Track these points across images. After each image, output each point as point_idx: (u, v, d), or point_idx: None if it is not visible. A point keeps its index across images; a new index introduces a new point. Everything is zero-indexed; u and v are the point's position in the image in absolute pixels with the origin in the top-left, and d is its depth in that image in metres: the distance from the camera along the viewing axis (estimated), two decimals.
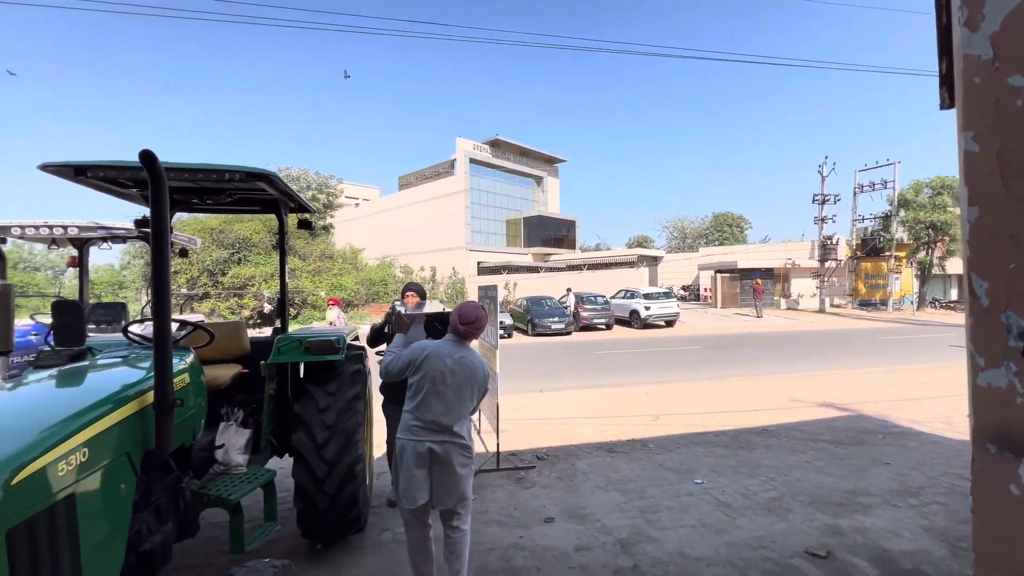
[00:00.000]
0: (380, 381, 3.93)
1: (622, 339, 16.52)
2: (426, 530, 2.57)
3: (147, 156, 1.63)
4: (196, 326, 2.67)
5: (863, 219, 28.65)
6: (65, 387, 1.81)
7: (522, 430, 5.87)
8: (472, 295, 25.04)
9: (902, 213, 26.25)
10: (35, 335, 6.07)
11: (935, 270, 27.26)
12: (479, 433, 5.70)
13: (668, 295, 20.50)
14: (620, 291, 21.40)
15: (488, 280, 27.67)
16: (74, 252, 4.97)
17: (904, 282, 27.30)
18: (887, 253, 26.93)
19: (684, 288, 34.13)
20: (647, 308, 19.12)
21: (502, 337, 16.74)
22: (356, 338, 3.90)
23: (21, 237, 4.55)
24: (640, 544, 3.25)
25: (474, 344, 2.71)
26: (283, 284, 3.41)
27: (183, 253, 5.88)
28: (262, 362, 3.08)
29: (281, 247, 3.44)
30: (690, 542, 3.26)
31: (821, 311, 25.95)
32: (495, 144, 36.62)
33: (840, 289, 28.60)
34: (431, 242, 33.40)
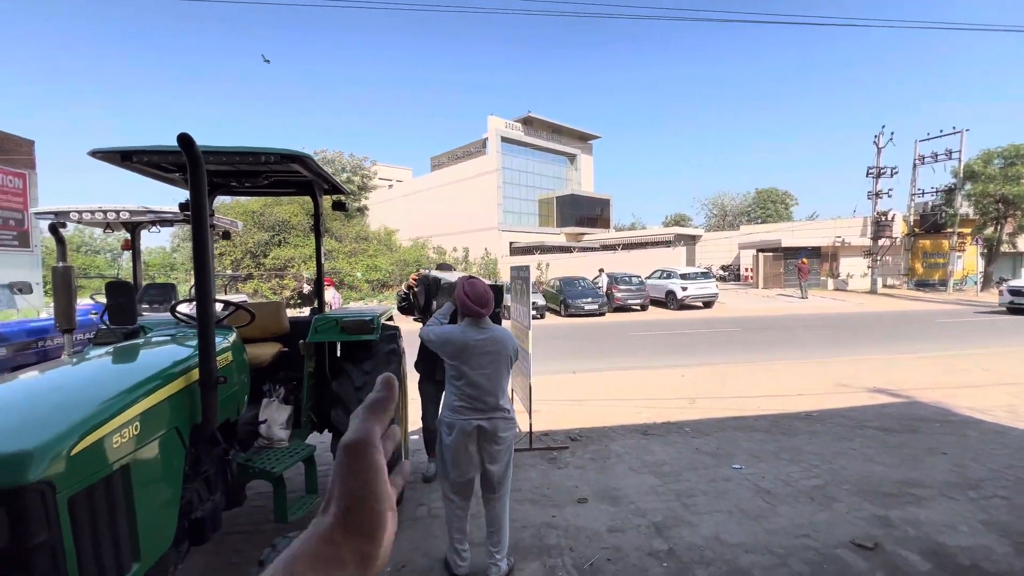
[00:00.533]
0: (415, 359, 4.03)
1: (657, 320, 16.22)
2: (466, 505, 2.70)
3: (185, 139, 1.66)
4: (238, 306, 2.77)
5: (923, 193, 26.77)
6: (119, 364, 1.91)
7: (555, 411, 5.88)
8: (505, 275, 25.08)
9: (968, 186, 24.34)
10: (95, 314, 6.49)
11: (1004, 248, 25.28)
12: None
13: (706, 275, 19.91)
14: (656, 271, 20.95)
15: (520, 260, 27.62)
16: (127, 235, 5.25)
17: (967, 261, 25.48)
18: (949, 230, 25.12)
19: (723, 268, 33.09)
20: (684, 289, 18.66)
21: (534, 318, 16.77)
22: (390, 318, 3.97)
23: (79, 222, 4.80)
24: (675, 528, 3.21)
25: (506, 323, 2.75)
26: (319, 265, 3.48)
27: (226, 235, 6.10)
28: (301, 341, 3.18)
29: (316, 228, 3.51)
30: (727, 528, 3.20)
31: (872, 292, 24.62)
32: (527, 122, 36.07)
33: (894, 269, 27.01)
34: (464, 222, 33.52)
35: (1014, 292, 15.71)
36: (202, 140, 1.92)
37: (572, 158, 39.67)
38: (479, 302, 2.56)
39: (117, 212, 4.80)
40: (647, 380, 7.47)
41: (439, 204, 36.34)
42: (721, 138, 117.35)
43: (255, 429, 2.80)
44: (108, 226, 5.29)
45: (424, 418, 4.04)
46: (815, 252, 27.02)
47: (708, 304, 19.33)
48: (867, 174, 25.24)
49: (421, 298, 3.92)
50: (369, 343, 3.19)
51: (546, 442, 4.83)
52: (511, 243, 32.94)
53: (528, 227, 35.61)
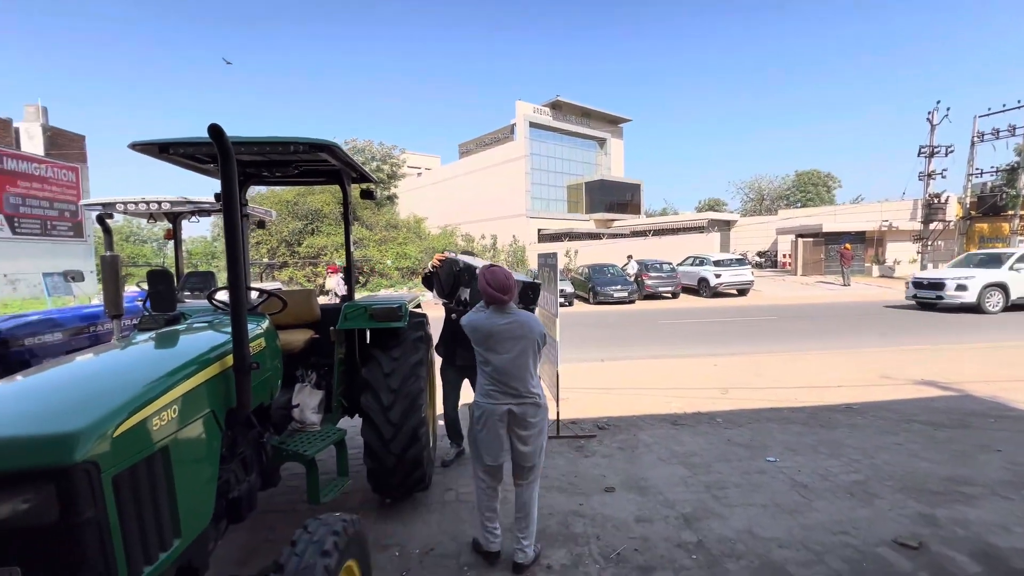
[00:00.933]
0: (435, 342, 4.06)
1: (689, 308, 15.87)
2: (496, 486, 2.76)
3: (215, 130, 1.69)
4: (270, 294, 2.84)
5: (981, 173, 25.01)
6: (159, 349, 2.00)
7: (582, 399, 5.86)
8: (532, 263, 24.98)
9: None
10: (140, 301, 6.83)
11: None
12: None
13: (741, 262, 19.31)
14: (688, 258, 20.46)
15: (549, 248, 27.46)
16: (169, 225, 5.48)
17: None
18: (1010, 212, 23.46)
19: (760, 254, 32.01)
20: (717, 276, 18.17)
21: (562, 305, 16.69)
22: (418, 305, 4.00)
23: (124, 212, 5.04)
24: (705, 520, 3.16)
25: (538, 312, 2.79)
26: (348, 253, 3.54)
27: (260, 224, 6.28)
28: (331, 328, 3.24)
29: (345, 217, 3.55)
30: (760, 521, 3.12)
31: None
32: (556, 106, 35.52)
33: (946, 254, 25.46)
34: (492, 210, 33.51)
35: (918, 285, 13.92)
36: (239, 131, 1.97)
37: (602, 142, 38.91)
38: (500, 288, 2.60)
39: (159, 203, 5.01)
40: (677, 369, 7.33)
41: (467, 191, 36.41)
42: (759, 120, 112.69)
43: (288, 413, 2.89)
44: (151, 216, 5.53)
45: (444, 404, 4.09)
46: (859, 237, 25.76)
47: (743, 292, 18.77)
48: (919, 153, 23.77)
49: (446, 284, 3.92)
50: (397, 330, 3.23)
51: (573, 430, 4.82)
52: (539, 230, 32.76)
53: (557, 214, 35.29)
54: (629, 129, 43.38)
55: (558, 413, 4.75)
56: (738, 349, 8.96)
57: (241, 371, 1.84)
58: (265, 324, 2.52)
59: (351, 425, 3.56)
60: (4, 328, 3.75)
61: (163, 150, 2.65)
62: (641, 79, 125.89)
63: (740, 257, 20.63)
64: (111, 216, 5.20)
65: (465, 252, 4.53)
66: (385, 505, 3.40)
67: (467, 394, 4.11)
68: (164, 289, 2.41)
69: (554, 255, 4.90)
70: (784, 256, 29.26)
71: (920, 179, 24.04)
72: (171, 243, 5.18)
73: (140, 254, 33.28)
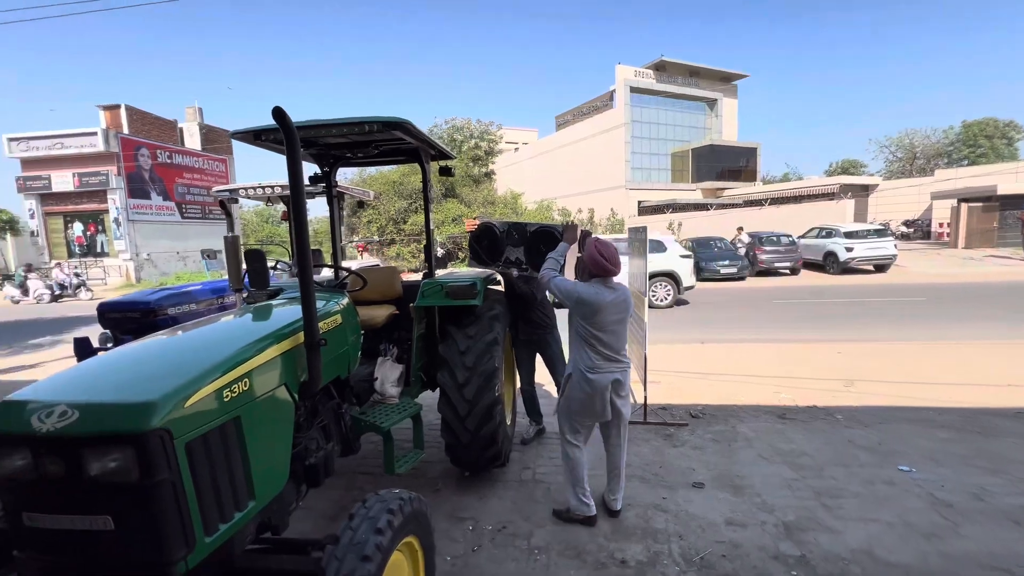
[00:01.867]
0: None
1: (811, 286, 14.07)
2: (584, 451, 2.94)
3: (278, 112, 1.72)
4: (351, 272, 2.96)
5: None
6: (242, 324, 2.17)
7: (675, 383, 5.47)
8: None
9: None
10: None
11: None
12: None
13: (881, 233, 16.55)
14: (813, 229, 18.02)
15: (650, 220, 26.07)
16: (284, 208, 6.06)
17: None
18: None
19: (907, 224, 27.39)
20: (849, 249, 15.77)
21: None
22: (497, 283, 3.96)
23: (246, 196, 5.66)
24: (811, 531, 2.76)
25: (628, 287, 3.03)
26: (428, 230, 3.57)
27: (361, 204, 6.71)
28: (411, 304, 3.33)
29: (425, 194, 3.58)
30: (884, 542, 2.65)
31: None
32: (660, 67, 33.00)
33: None
34: (589, 182, 32.55)
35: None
36: (360, 113, 2.12)
37: (712, 104, 35.50)
38: (613, 260, 2.73)
39: (272, 187, 5.53)
40: (791, 355, 6.53)
41: (564, 164, 35.70)
42: (911, 66, 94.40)
43: (370, 385, 3.04)
44: (268, 200, 6.16)
45: (520, 380, 4.04)
46: None
47: (881, 268, 16.16)
48: None
49: (491, 249, 3.70)
50: (473, 308, 3.22)
51: (662, 416, 4.52)
52: (639, 202, 31.14)
53: (659, 184, 33.21)
54: (745, 87, 38.99)
55: (645, 398, 4.47)
56: (870, 335, 7.72)
57: (310, 347, 1.92)
58: (344, 301, 2.63)
59: (429, 400, 3.66)
60: (153, 299, 4.45)
61: (257, 137, 2.85)
62: (761, 28, 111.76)
63: (880, 227, 17.69)
64: (235, 201, 5.88)
65: (503, 221, 4.28)
66: (463, 478, 3.47)
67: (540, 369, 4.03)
68: (259, 267, 2.61)
69: (643, 229, 4.55)
70: (941, 225, 24.60)
71: None
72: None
73: (276, 233, 37.89)
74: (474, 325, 3.18)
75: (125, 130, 21.53)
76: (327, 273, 3.98)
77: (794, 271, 16.47)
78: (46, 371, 6.90)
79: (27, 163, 20.83)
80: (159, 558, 1.36)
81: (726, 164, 33.64)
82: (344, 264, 3.66)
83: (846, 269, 15.94)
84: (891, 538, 2.68)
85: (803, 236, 17.90)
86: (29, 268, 18.03)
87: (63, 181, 20.60)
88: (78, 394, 1.39)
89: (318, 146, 3.28)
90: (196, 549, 1.43)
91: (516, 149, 44.05)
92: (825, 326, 8.58)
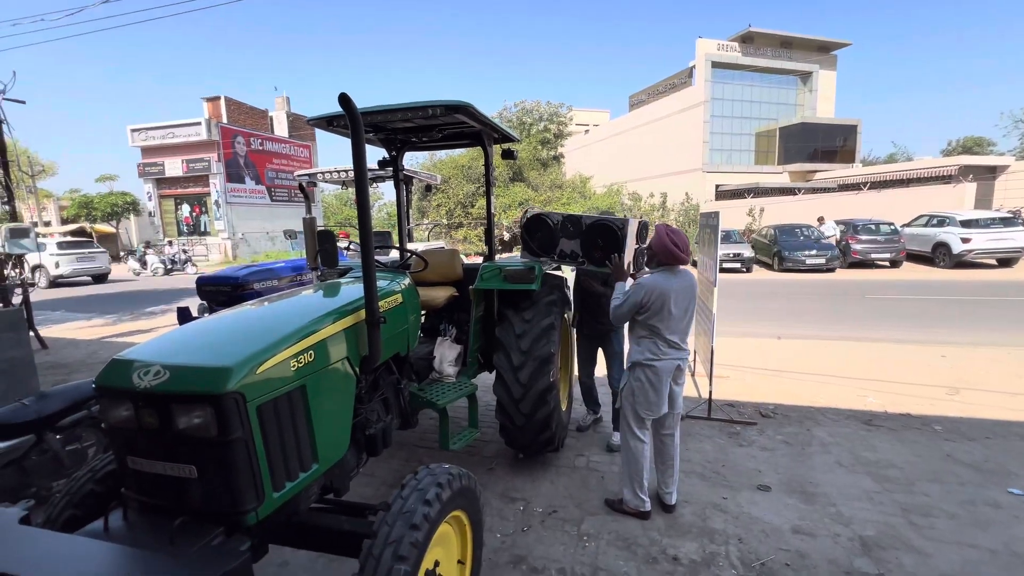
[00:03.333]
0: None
1: (915, 281, 12.60)
2: (647, 445, 2.89)
3: (343, 99, 1.79)
4: (413, 253, 3.07)
5: None
6: (311, 300, 2.33)
7: (745, 379, 5.18)
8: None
9: None
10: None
11: None
12: (692, 375, 5.28)
13: (1009, 222, 14.37)
14: (921, 217, 16.03)
15: (729, 206, 24.55)
16: None
17: None
18: None
19: None
20: (965, 240, 13.87)
21: (737, 271, 14.87)
22: (558, 267, 3.93)
23: (324, 180, 6.02)
24: (893, 550, 2.52)
25: (696, 277, 3.03)
26: (489, 212, 3.60)
27: (428, 188, 6.90)
28: (470, 287, 3.39)
29: (487, 177, 3.61)
30: (983, 571, 2.36)
31: None
32: (747, 39, 30.60)
33: None
34: (663, 165, 31.14)
35: None
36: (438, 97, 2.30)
37: (805, 77, 32.41)
38: (684, 248, 2.74)
39: (348, 171, 5.85)
40: (883, 356, 5.92)
41: (636, 146, 34.37)
42: None
43: (429, 363, 3.16)
44: (344, 183, 6.52)
45: (580, 371, 3.99)
46: None
47: (1006, 262, 14.11)
48: None
49: (543, 241, 3.41)
50: (530, 292, 3.22)
51: (728, 413, 4.30)
52: (717, 186, 29.34)
53: (740, 166, 31.04)
54: (846, 57, 35.18)
55: (710, 392, 4.27)
56: (985, 338, 6.80)
57: (371, 324, 2.02)
58: (405, 281, 2.73)
59: (485, 381, 3.73)
60: (241, 275, 4.91)
61: (329, 123, 3.00)
62: None
63: (1008, 215, 15.34)
64: (314, 184, 6.28)
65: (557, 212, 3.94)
66: (517, 460, 3.53)
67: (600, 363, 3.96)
68: (330, 247, 2.77)
69: (716, 214, 4.29)
70: None
71: None
72: (378, 204, 6.06)
73: (353, 216, 40.09)
74: (531, 310, 3.19)
75: (224, 120, 23.65)
76: (395, 254, 4.16)
77: (895, 263, 14.84)
78: (158, 335, 7.88)
79: (146, 151, 23.58)
80: (233, 507, 1.52)
81: (819, 144, 30.70)
82: (410, 246, 3.80)
83: (960, 263, 14.07)
84: (993, 568, 2.38)
85: (908, 224, 16.02)
86: (147, 245, 20.56)
87: (174, 167, 23.12)
88: (171, 356, 1.57)
89: (385, 131, 3.40)
90: (265, 502, 1.58)
91: (586, 131, 43.02)
92: (927, 325, 7.67)
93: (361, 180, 1.91)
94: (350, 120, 1.83)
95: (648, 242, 3.00)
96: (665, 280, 2.71)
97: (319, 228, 2.99)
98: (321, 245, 2.80)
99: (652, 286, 2.69)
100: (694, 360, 5.48)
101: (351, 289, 2.38)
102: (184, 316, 4.32)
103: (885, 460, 3.45)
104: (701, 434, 3.93)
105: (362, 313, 2.09)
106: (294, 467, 1.72)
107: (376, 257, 3.23)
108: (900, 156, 40.73)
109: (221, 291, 4.76)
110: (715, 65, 29.80)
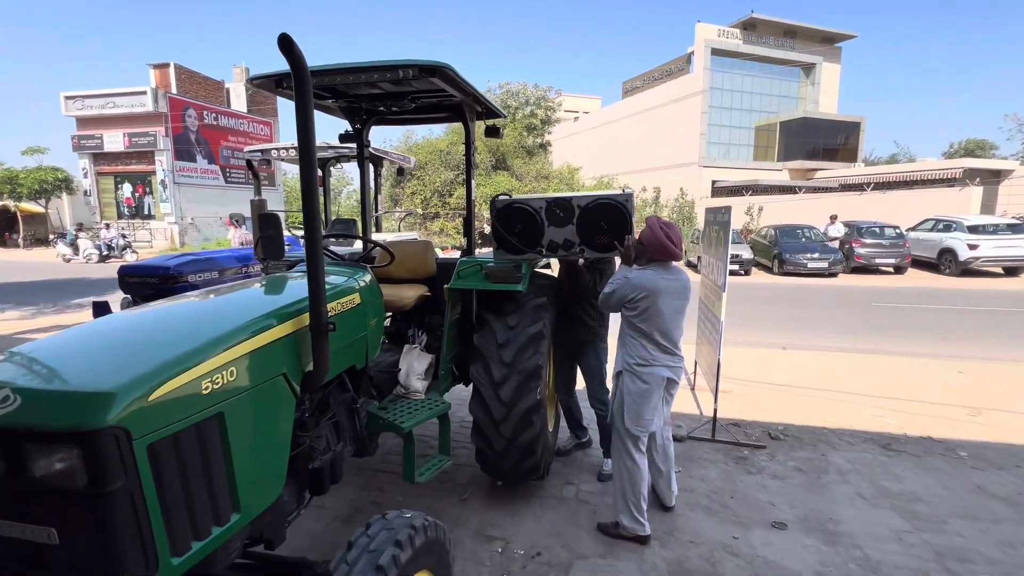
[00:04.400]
0: None
1: (922, 289, 12.78)
2: (646, 461, 2.80)
3: (283, 40, 1.48)
4: (376, 244, 2.76)
5: None
6: (239, 300, 2.01)
7: (750, 395, 5.01)
8: (702, 220, 22.75)
9: None
10: (287, 246, 7.79)
11: None
12: (692, 390, 5.09)
13: (1016, 228, 14.75)
14: (927, 221, 16.35)
15: (725, 203, 24.69)
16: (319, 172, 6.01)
17: None
18: None
19: None
20: (972, 246, 14.17)
21: (737, 274, 14.86)
22: (547, 266, 3.67)
23: (278, 159, 5.62)
24: None
25: (695, 278, 2.94)
26: (469, 199, 3.31)
27: (400, 172, 6.55)
28: (445, 286, 3.10)
29: (468, 157, 3.32)
30: None
31: None
32: (749, 25, 30.89)
33: None
34: (657, 157, 31.25)
35: None
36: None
37: (808, 69, 32.92)
38: (679, 243, 2.67)
39: None
40: (896, 371, 5.84)
41: (629, 137, 34.42)
42: None
43: (393, 376, 2.85)
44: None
45: (556, 388, 3.67)
46: None
47: (1013, 271, 14.46)
48: None
49: (522, 232, 2.97)
50: (516, 294, 2.94)
51: (734, 434, 4.11)
52: (714, 182, 29.57)
53: (738, 162, 31.37)
54: (851, 49, 35.86)
55: (715, 410, 4.07)
56: (1002, 353, 6.81)
57: (316, 331, 1.72)
58: (366, 278, 2.42)
59: (459, 398, 3.45)
60: (172, 265, 4.50)
61: (278, 84, 2.67)
62: None
63: (1015, 221, 15.76)
64: (267, 163, 5.88)
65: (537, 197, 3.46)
66: (496, 488, 3.26)
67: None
68: (274, 234, 2.44)
69: (726, 210, 4.08)
70: None
71: None
72: (346, 190, 5.66)
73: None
74: (516, 314, 2.91)
75: (174, 90, 22.68)
76: (359, 245, 3.83)
77: (899, 269, 15.06)
78: (25, 343, 7.32)
79: (82, 122, 22.44)
80: None
81: (821, 141, 31.23)
82: (377, 237, 3.48)
83: (966, 270, 14.37)
84: None
85: (913, 228, 16.30)
86: (80, 227, 19.56)
87: (114, 140, 22.04)
88: (29, 377, 1.25)
89: (348, 98, 3.07)
90: (160, 573, 1.27)
91: (576, 119, 42.93)
92: (939, 338, 7.68)
93: (307, 151, 1.60)
94: (293, 69, 1.52)
95: (639, 236, 2.76)
96: (656, 277, 2.64)
97: (265, 212, 2.64)
98: (263, 231, 2.47)
99: (640, 282, 2.62)
100: (695, 372, 5.30)
101: (297, 286, 2.07)
102: (101, 311, 3.90)
103: (910, 492, 3.29)
104: (705, 458, 3.72)
105: (306, 318, 1.78)
106: (204, 521, 1.40)
107: (332, 248, 2.93)
108: (902, 157, 41.84)
109: (148, 283, 4.33)
110: (715, 52, 30.01)
